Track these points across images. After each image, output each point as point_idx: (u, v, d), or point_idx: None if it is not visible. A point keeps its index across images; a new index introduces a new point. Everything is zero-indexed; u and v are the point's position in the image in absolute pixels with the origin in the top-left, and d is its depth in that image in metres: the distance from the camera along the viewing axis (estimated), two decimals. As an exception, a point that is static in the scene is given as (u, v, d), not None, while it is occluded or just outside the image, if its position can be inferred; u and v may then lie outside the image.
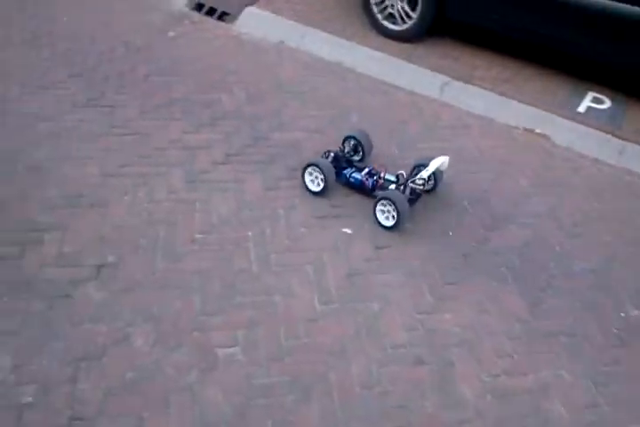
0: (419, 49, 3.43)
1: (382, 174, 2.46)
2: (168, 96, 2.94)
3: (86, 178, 2.41)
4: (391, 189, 2.39)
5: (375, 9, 3.47)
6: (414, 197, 2.40)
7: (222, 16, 3.69)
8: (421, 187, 2.36)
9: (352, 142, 2.59)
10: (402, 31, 3.40)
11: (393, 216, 2.30)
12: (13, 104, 2.79)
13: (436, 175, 2.46)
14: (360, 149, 2.59)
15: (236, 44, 3.49)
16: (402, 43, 3.42)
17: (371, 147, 2.61)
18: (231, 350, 1.81)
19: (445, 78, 3.19)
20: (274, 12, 3.66)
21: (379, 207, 2.31)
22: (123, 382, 1.70)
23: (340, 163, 2.55)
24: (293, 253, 2.16)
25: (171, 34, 3.49)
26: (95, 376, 1.70)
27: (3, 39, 3.27)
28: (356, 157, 2.61)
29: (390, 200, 2.27)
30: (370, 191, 2.44)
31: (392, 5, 3.39)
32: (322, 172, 2.39)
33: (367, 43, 3.41)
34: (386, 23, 3.45)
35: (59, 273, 1.99)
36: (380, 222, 2.31)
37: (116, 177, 2.42)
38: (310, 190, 2.45)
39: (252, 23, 3.61)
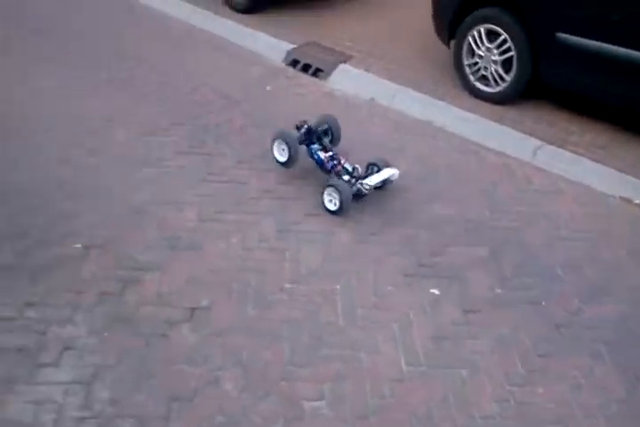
0: (511, 111, 3.55)
1: (342, 162, 2.86)
2: (262, 147, 3.17)
3: (184, 222, 2.62)
4: (343, 180, 2.77)
5: (468, 70, 3.64)
6: (360, 193, 2.76)
7: (316, 72, 3.99)
8: (367, 190, 2.74)
9: (325, 127, 3.00)
10: (495, 93, 3.54)
11: (336, 204, 2.70)
12: (120, 148, 3.11)
13: (385, 181, 2.83)
14: (330, 133, 3.01)
15: (329, 99, 3.74)
16: (494, 104, 3.56)
17: (339, 134, 3.03)
18: (317, 403, 1.88)
19: (538, 142, 3.27)
20: (366, 69, 3.92)
21: (326, 192, 2.72)
22: (212, 425, 1.80)
23: (312, 137, 2.96)
24: (380, 309, 2.24)
25: (267, 88, 3.80)
26: (187, 417, 1.81)
27: (118, 83, 3.68)
28: (326, 139, 2.99)
29: (337, 190, 2.68)
30: (327, 172, 2.87)
31: (485, 68, 3.56)
32: (287, 144, 2.85)
33: (458, 103, 3.57)
34: (478, 85, 3.61)
35: (156, 312, 2.16)
36: (325, 205, 2.73)
37: (211, 222, 2.63)
38: (277, 160, 2.93)
39: (345, 80, 3.88)
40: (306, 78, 3.95)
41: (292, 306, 2.23)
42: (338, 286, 2.33)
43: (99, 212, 2.65)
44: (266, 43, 4.30)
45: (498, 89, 3.53)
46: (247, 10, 4.63)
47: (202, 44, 4.31)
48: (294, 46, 4.19)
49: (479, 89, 3.61)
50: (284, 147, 2.87)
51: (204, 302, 2.21)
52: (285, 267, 2.41)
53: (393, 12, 4.71)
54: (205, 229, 2.59)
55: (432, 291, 2.35)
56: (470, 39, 3.58)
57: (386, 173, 2.80)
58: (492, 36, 3.49)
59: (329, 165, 2.84)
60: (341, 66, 3.98)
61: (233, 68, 4.03)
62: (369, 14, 4.69)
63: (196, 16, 4.66)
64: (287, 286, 2.32)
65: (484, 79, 3.60)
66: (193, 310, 2.18)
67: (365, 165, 2.86)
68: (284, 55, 4.14)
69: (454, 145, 3.34)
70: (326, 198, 2.72)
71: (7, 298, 2.19)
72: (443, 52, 3.96)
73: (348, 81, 3.87)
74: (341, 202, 2.67)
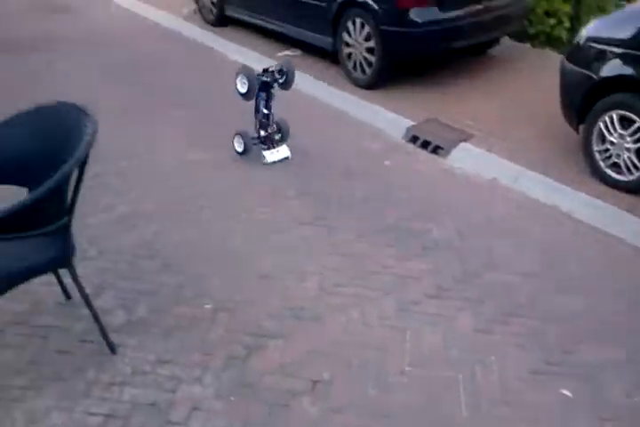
0: (644, 201, 3.50)
1: (270, 119, 3.91)
2: (382, 221, 3.33)
3: (306, 292, 2.79)
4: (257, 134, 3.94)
5: (598, 156, 3.66)
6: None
7: (436, 149, 4.16)
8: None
9: (279, 68, 3.88)
10: (627, 182, 3.52)
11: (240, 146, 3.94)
12: (250, 214, 3.38)
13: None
14: (284, 75, 3.85)
15: (448, 177, 3.88)
16: (625, 193, 3.53)
17: (292, 78, 3.89)
18: None
19: (676, 235, 3.19)
20: (488, 149, 4.04)
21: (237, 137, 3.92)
22: None
23: (268, 86, 3.85)
24: (507, 406, 2.22)
25: (386, 163, 4.01)
26: None
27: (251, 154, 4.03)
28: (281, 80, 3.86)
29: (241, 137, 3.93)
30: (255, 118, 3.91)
31: (618, 155, 3.56)
32: (248, 79, 3.73)
33: (587, 189, 3.58)
34: (609, 172, 3.61)
35: (279, 381, 2.29)
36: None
37: (332, 295, 2.77)
38: (238, 91, 3.80)
39: (465, 159, 4.01)
40: (425, 155, 4.14)
41: (412, 391, 2.27)
42: (460, 376, 2.35)
43: (227, 275, 2.88)
44: (386, 118, 4.57)
45: (631, 178, 3.51)
46: (368, 85, 4.96)
47: (321, 116, 4.65)
48: (414, 123, 4.42)
49: (610, 176, 3.60)
50: (245, 81, 3.77)
51: (326, 376, 2.31)
52: (406, 348, 2.47)
53: (517, 93, 4.86)
54: (326, 300, 2.73)
55: (563, 392, 2.30)
56: (601, 125, 3.62)
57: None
58: (625, 122, 3.52)
59: (258, 116, 3.91)
60: (462, 144, 4.14)
61: (353, 141, 4.30)
62: (492, 93, 4.87)
63: (317, 89, 5.06)
64: (407, 368, 2.37)
65: (615, 166, 3.60)
66: (314, 382, 2.29)
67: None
68: (403, 131, 4.37)
69: (582, 232, 3.33)
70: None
71: (142, 352, 2.41)
72: (569, 135, 4.02)
73: (468, 160, 4.01)
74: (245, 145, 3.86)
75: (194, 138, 4.23)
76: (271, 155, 3.88)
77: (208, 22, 6.51)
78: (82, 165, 2.12)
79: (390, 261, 3.02)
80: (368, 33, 4.81)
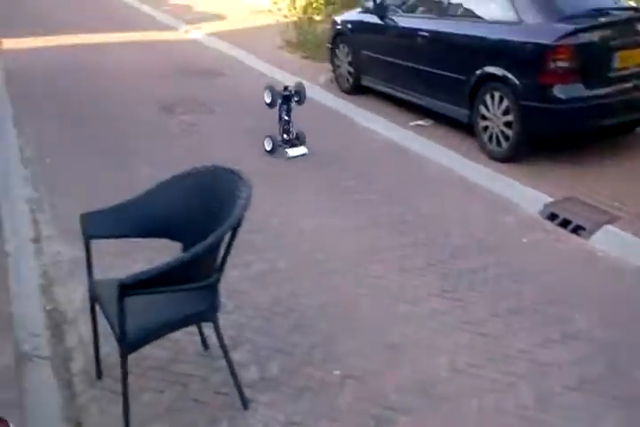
0: None
1: (290, 125, 5.20)
2: (518, 302, 3.25)
3: (437, 368, 2.76)
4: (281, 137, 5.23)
5: None
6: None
7: (577, 229, 4.04)
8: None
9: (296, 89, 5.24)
10: None
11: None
12: (378, 281, 3.44)
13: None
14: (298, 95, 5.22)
15: (591, 260, 3.73)
16: None
17: (304, 96, 5.25)
18: None
19: None
20: (636, 233, 3.86)
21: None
22: None
23: (288, 99, 5.20)
24: None
25: (524, 240, 3.94)
26: None
27: (383, 220, 4.15)
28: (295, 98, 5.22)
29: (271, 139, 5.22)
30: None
31: None
32: (272, 93, 5.11)
33: None
34: None
35: (408, 461, 2.25)
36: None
37: (465, 375, 2.72)
38: (265, 101, 5.15)
39: (610, 242, 3.85)
40: (565, 234, 4.02)
41: None
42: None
43: (355, 341, 2.93)
44: (521, 192, 4.53)
45: None
46: (504, 158, 4.97)
47: (452, 186, 4.69)
48: (552, 200, 4.34)
49: None
50: (270, 94, 5.12)
51: (458, 463, 2.25)
52: (546, 444, 2.36)
53: (667, 173, 4.65)
54: (459, 380, 2.68)
55: None
56: None
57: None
58: None
59: (281, 123, 5.22)
60: (606, 226, 3.98)
61: (485, 214, 4.29)
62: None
63: (448, 159, 5.13)
64: (547, 466, 2.25)
65: None
66: (445, 468, 2.23)
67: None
68: (541, 207, 4.30)
69: None
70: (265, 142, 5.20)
71: (273, 411, 2.49)
72: None
73: (613, 243, 3.84)
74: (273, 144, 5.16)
75: (331, 202, 4.44)
76: (291, 151, 5.20)
77: (343, 91, 6.91)
78: (235, 227, 2.30)
79: (527, 345, 2.92)
80: (507, 107, 4.86)
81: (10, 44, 9.71)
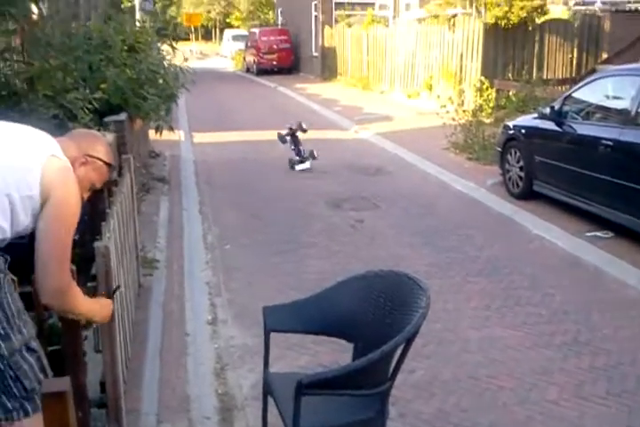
0: None
1: (301, 148, 8.57)
2: None
3: None
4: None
5: None
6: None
7: None
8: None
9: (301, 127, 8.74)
10: None
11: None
12: (551, 405, 3.25)
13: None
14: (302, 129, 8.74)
15: None
16: None
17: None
18: None
19: None
20: None
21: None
22: None
23: (294, 134, 8.66)
24: None
25: None
26: None
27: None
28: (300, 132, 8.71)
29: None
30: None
31: None
32: (280, 137, 8.73)
33: None
34: None
35: None
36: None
37: None
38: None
39: None
40: None
41: None
42: None
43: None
44: None
45: None
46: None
47: (637, 307, 4.39)
48: None
49: None
50: (280, 137, 8.70)
51: None
52: None
53: None
54: None
55: None
56: None
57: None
58: None
59: (294, 151, 8.53)
60: None
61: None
62: None
63: (638, 280, 4.81)
64: None
65: None
66: None
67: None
68: None
69: None
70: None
71: None
72: None
73: None
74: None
75: (494, 311, 4.34)
76: (299, 166, 8.39)
77: (512, 195, 6.90)
78: (412, 336, 2.35)
79: None
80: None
81: (198, 137, 11.18)
